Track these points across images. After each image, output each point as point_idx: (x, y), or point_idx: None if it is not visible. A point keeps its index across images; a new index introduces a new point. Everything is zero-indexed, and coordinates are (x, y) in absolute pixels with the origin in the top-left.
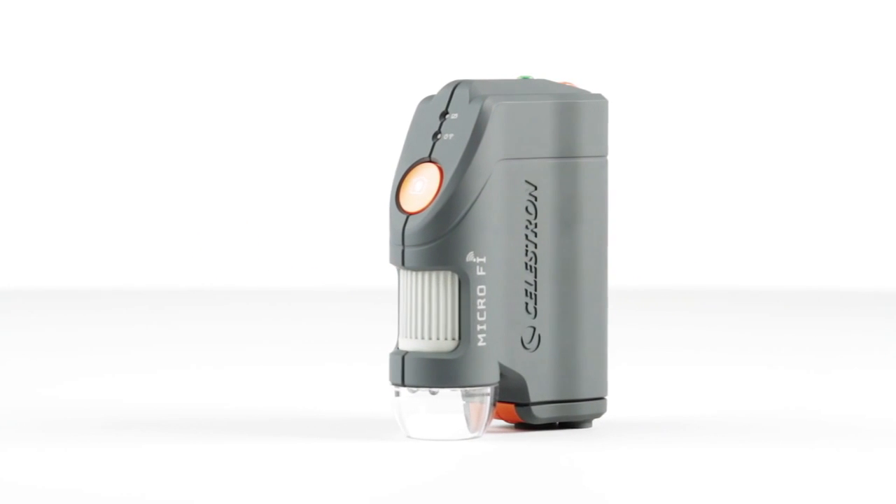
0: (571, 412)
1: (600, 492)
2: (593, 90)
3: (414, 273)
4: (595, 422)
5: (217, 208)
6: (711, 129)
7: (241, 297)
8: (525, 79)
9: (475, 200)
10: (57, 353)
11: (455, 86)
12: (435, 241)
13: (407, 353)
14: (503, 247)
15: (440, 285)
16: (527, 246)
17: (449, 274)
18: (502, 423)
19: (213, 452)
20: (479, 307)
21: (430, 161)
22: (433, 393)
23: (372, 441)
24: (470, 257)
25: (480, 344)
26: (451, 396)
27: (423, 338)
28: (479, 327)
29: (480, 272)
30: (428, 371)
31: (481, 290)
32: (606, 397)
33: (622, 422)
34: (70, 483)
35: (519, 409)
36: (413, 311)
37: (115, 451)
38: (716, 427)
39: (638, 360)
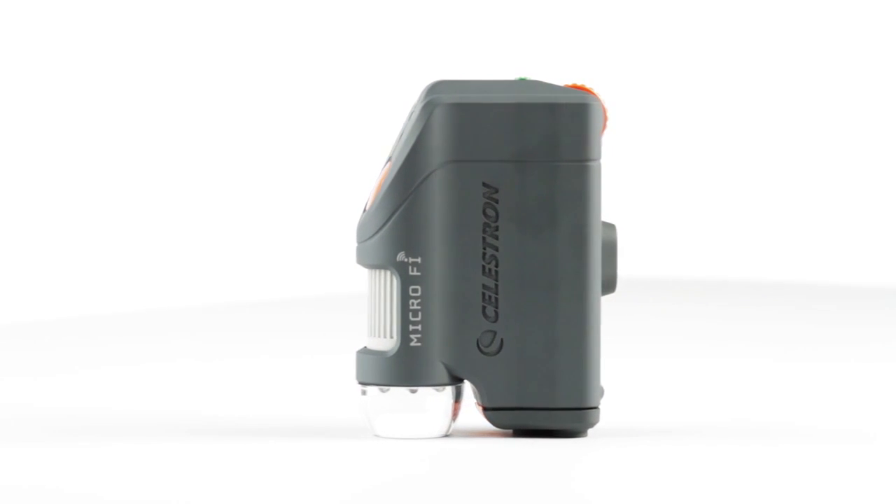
0: (541, 421)
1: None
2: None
3: (366, 270)
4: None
5: (216, 215)
6: (713, 127)
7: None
8: (522, 80)
9: (405, 201)
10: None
11: (428, 86)
12: (368, 240)
13: (361, 349)
14: (449, 248)
15: (380, 283)
16: (485, 249)
17: (388, 272)
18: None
19: (190, 453)
20: (412, 307)
21: (390, 160)
22: (383, 391)
23: (338, 440)
24: (401, 257)
25: (414, 344)
26: (422, 395)
27: (371, 335)
28: (412, 327)
29: (414, 272)
30: (369, 368)
31: (415, 291)
32: (596, 407)
33: (614, 430)
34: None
35: (485, 412)
36: (367, 307)
37: (81, 453)
38: (711, 432)
39: (639, 361)
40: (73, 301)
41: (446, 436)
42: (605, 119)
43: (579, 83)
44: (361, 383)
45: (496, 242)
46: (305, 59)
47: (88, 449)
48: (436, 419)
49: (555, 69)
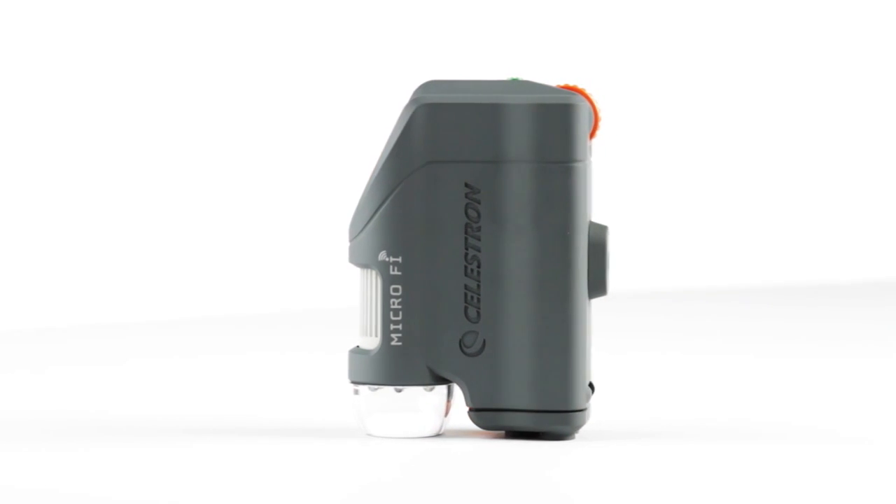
0: (525, 423)
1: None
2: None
3: (357, 269)
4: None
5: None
6: (718, 129)
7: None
8: (514, 80)
9: (386, 200)
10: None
11: (419, 86)
12: (354, 239)
13: (353, 348)
14: (429, 248)
15: (367, 282)
16: (467, 250)
17: (374, 272)
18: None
19: (183, 454)
20: (392, 306)
21: None
22: (373, 390)
23: (329, 439)
24: (382, 256)
25: (395, 343)
26: (410, 394)
27: (361, 334)
28: (392, 326)
29: (395, 272)
30: (357, 367)
31: (395, 290)
32: (582, 410)
33: (604, 430)
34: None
35: (469, 413)
36: (358, 306)
37: (72, 456)
38: (702, 432)
39: (630, 359)
40: (65, 309)
41: (438, 435)
42: (597, 121)
43: (571, 84)
44: (353, 382)
45: (478, 243)
46: (301, 61)
47: (80, 451)
48: (426, 418)
49: (558, 70)
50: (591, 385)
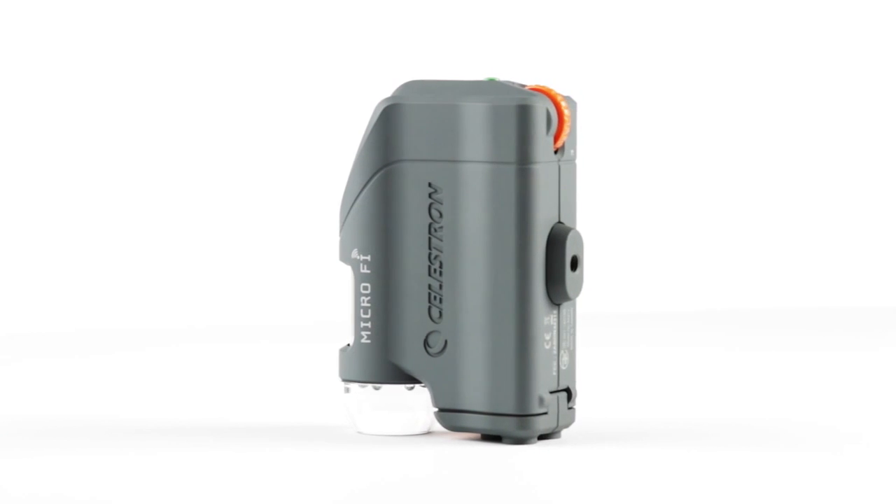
0: (483, 425)
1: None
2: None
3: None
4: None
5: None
6: (700, 136)
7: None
8: (491, 80)
9: (356, 199)
10: None
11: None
12: (339, 237)
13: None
14: (396, 247)
15: (350, 280)
16: (430, 250)
17: (351, 269)
18: None
19: (182, 460)
20: (362, 304)
21: None
22: (363, 387)
23: (321, 438)
24: (354, 254)
25: (364, 341)
26: (391, 392)
27: (350, 331)
28: (362, 324)
29: (364, 270)
30: (340, 364)
31: (365, 288)
32: (540, 414)
33: (589, 431)
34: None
35: (435, 413)
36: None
37: (58, 459)
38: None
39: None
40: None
41: (428, 433)
42: (562, 124)
43: (541, 85)
44: (343, 380)
45: (441, 244)
46: (296, 60)
47: (68, 456)
48: (414, 416)
49: (559, 72)
50: (567, 390)
